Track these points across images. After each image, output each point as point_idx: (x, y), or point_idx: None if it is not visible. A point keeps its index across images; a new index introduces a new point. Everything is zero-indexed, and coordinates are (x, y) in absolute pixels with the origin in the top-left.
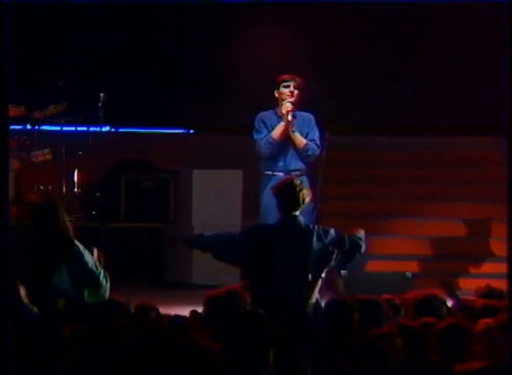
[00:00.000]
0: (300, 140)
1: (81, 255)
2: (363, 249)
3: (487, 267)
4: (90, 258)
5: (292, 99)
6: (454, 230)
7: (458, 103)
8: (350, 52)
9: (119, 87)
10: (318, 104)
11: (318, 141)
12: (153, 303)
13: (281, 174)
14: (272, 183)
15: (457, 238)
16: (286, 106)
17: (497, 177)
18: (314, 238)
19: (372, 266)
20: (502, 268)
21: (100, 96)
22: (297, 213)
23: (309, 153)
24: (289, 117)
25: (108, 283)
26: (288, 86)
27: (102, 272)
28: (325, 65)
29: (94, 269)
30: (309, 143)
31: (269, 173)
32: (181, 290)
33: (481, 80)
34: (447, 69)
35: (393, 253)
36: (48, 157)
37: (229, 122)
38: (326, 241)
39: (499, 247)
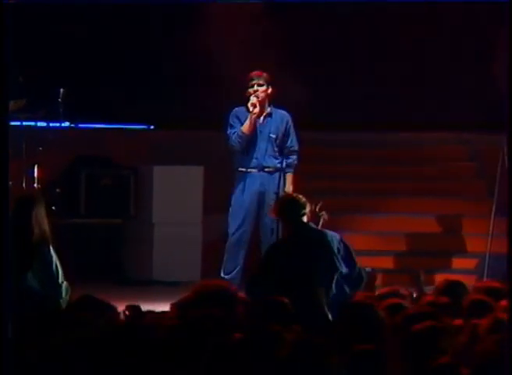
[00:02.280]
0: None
1: (48, 261)
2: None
3: (453, 263)
4: (59, 268)
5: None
6: (419, 226)
7: (426, 100)
8: (319, 49)
9: (79, 83)
10: (284, 100)
11: (296, 147)
12: (114, 299)
13: (254, 171)
14: (246, 180)
15: (422, 234)
16: (251, 100)
17: (464, 173)
18: (329, 239)
19: None
20: (467, 263)
21: (59, 92)
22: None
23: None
24: (256, 110)
25: (68, 296)
26: (252, 85)
27: (64, 285)
28: (293, 61)
29: (57, 281)
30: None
31: (243, 170)
32: (141, 286)
33: (450, 76)
34: (418, 65)
35: (356, 249)
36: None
37: (188, 118)
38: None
39: (465, 242)
